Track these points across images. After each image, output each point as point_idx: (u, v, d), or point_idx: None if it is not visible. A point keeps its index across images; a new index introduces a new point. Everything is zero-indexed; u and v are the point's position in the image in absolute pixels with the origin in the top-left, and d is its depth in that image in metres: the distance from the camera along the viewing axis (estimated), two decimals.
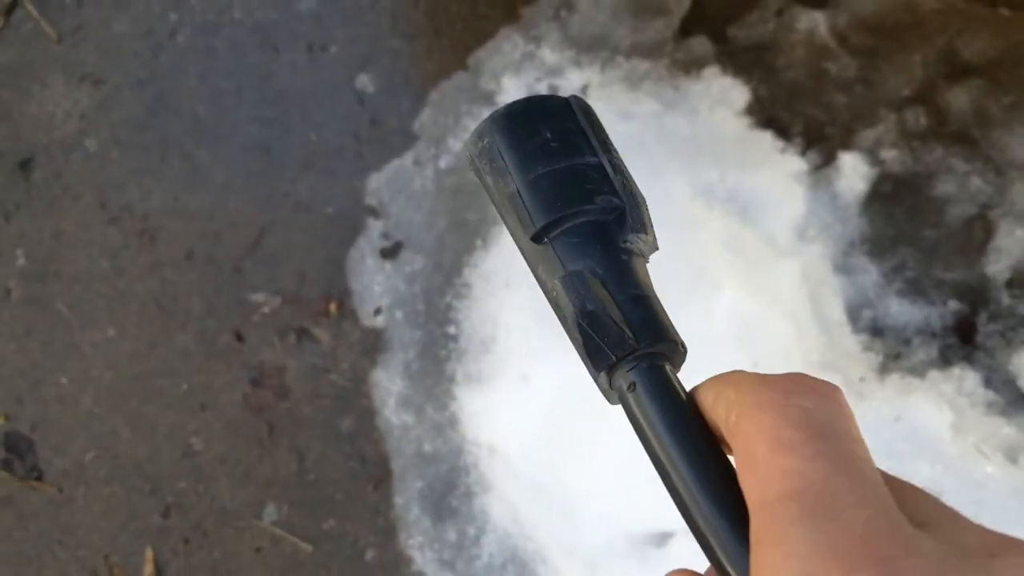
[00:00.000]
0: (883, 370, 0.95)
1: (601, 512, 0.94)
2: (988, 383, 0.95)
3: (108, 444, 1.12)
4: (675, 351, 0.29)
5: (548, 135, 0.32)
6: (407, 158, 1.18)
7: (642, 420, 0.27)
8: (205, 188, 1.21)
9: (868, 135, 1.06)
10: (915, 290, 1.01)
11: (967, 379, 0.94)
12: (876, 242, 1.03)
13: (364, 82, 1.23)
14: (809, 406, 0.23)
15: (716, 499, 0.25)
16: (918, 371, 0.95)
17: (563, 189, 0.31)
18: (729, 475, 0.25)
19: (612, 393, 0.29)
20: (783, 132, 1.07)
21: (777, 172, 1.01)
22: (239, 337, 1.14)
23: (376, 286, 1.12)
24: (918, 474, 0.74)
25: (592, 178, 0.31)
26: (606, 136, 0.33)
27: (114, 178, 1.22)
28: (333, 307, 1.13)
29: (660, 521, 0.92)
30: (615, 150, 0.33)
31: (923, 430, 0.86)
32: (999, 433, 0.90)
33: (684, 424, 0.27)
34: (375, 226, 1.16)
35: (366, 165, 1.19)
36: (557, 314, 0.31)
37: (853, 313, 0.99)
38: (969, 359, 0.97)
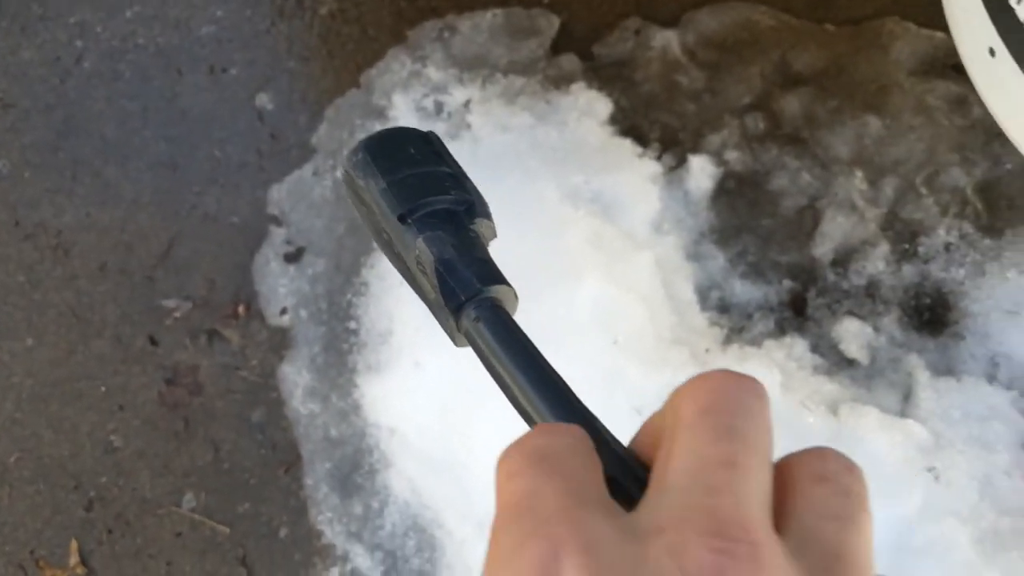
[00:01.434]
0: (726, 342, 1.10)
1: (489, 479, 1.06)
2: (815, 349, 1.11)
3: (31, 446, 1.20)
4: (510, 297, 0.36)
5: (411, 151, 0.40)
6: (306, 170, 1.28)
7: (485, 347, 0.33)
8: (116, 203, 1.29)
9: (714, 139, 1.21)
10: (755, 272, 1.16)
11: (796, 346, 1.09)
12: (722, 232, 1.18)
13: (264, 100, 1.33)
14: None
15: (554, 404, 0.31)
16: (756, 341, 1.10)
17: (424, 183, 0.38)
18: (564, 386, 0.31)
19: (460, 336, 0.35)
20: (641, 139, 1.21)
21: (636, 174, 1.15)
22: (153, 341, 1.23)
23: (281, 288, 1.23)
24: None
25: (447, 180, 0.39)
26: (454, 159, 0.42)
27: (27, 197, 1.29)
28: (241, 309, 1.23)
29: None
30: (463, 170, 0.41)
31: None
32: (822, 390, 1.05)
33: (521, 344, 0.33)
34: (278, 233, 1.26)
35: (268, 177, 1.29)
36: (413, 279, 0.38)
37: (702, 294, 1.14)
38: (800, 329, 1.13)
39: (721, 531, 0.23)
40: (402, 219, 0.38)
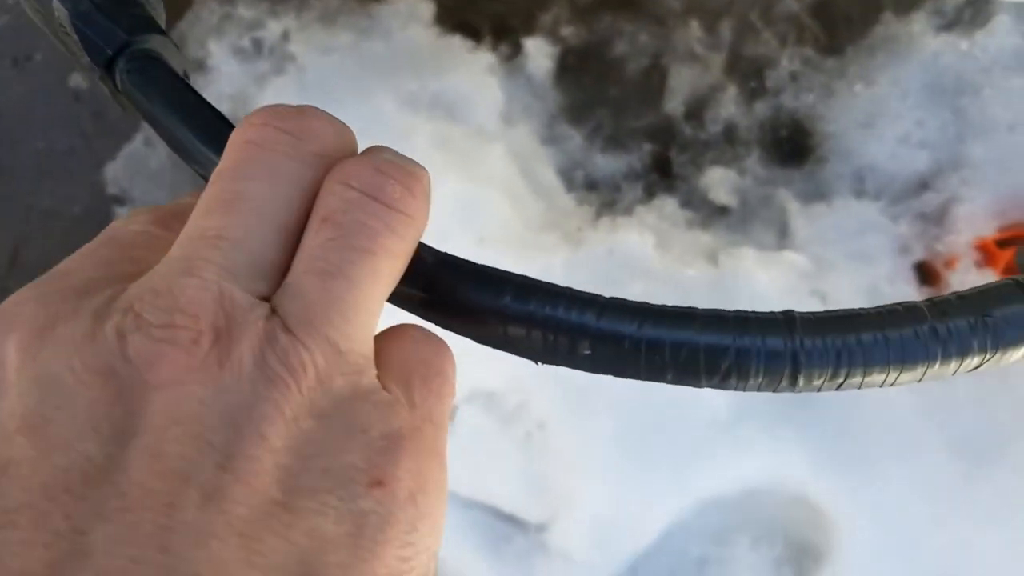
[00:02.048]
0: (598, 218, 1.08)
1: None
2: (686, 204, 1.10)
3: None
4: (171, 50, 0.32)
5: None
6: (137, 141, 1.21)
7: (145, 101, 0.30)
8: None
9: (545, 19, 1.18)
10: (615, 143, 1.14)
11: (667, 206, 1.08)
12: (573, 110, 1.15)
13: (77, 80, 1.25)
14: None
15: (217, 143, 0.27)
16: (628, 211, 1.09)
17: None
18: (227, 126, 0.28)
19: (120, 96, 0.31)
20: (471, 33, 1.17)
21: (472, 70, 1.11)
22: None
23: None
24: (633, 292, 0.86)
25: None
26: None
27: None
28: None
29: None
30: None
31: (633, 256, 0.99)
32: (699, 242, 1.05)
33: (182, 92, 0.29)
34: (123, 212, 1.19)
35: (100, 158, 1.21)
36: (68, 50, 0.34)
37: (566, 176, 1.12)
38: (669, 189, 1.12)
39: (172, 315, 0.20)
40: None
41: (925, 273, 1.05)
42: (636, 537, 1.00)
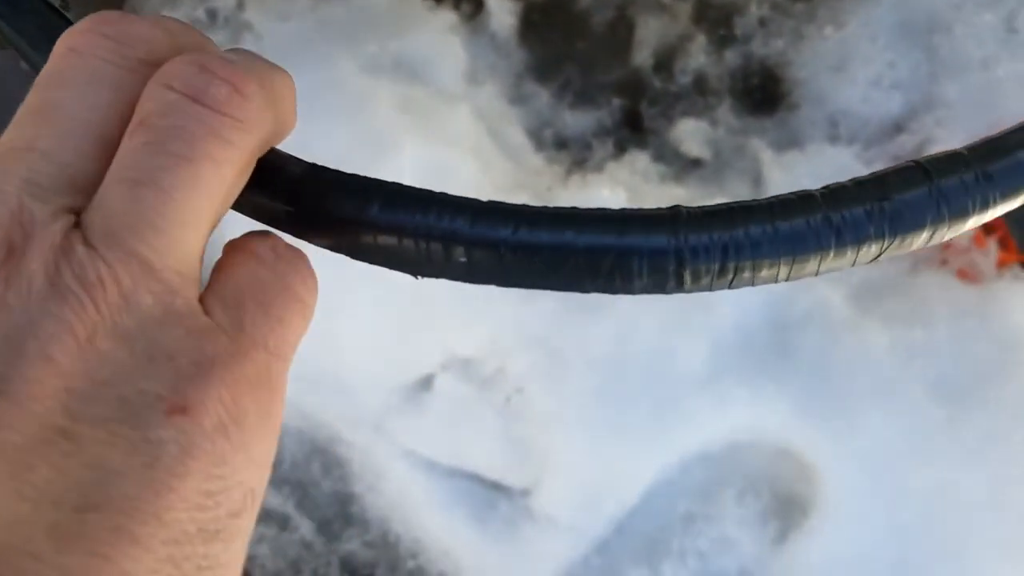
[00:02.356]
0: (568, 176, 1.06)
1: (368, 380, 1.02)
2: (658, 158, 1.08)
3: None
4: None
5: None
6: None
7: None
8: None
9: None
10: (584, 100, 1.12)
11: (639, 161, 1.06)
12: (540, 68, 1.13)
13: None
14: None
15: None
16: (599, 168, 1.07)
17: None
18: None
19: None
20: None
21: (433, 30, 1.08)
22: None
23: None
24: None
25: None
26: None
27: None
28: None
29: (419, 366, 1.01)
30: None
31: None
32: (673, 195, 1.03)
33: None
34: None
35: None
36: None
37: (535, 135, 1.09)
38: (641, 144, 1.09)
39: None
40: None
41: None
42: (621, 497, 0.99)
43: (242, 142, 0.22)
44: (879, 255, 0.25)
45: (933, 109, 1.05)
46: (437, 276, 0.25)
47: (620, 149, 1.09)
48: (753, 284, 0.25)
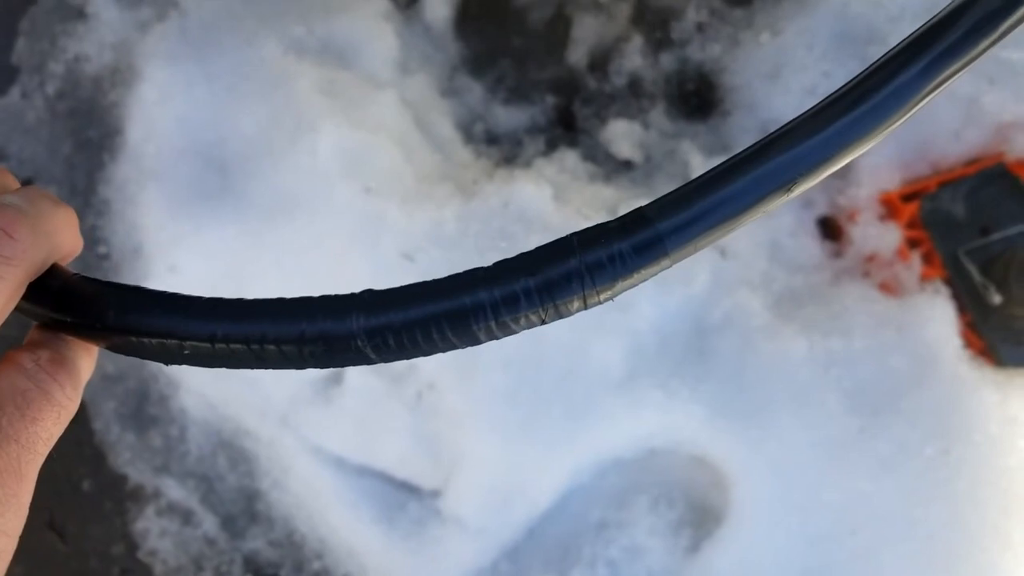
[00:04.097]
0: (495, 170, 1.03)
1: (276, 371, 0.98)
2: (589, 158, 1.06)
3: None
4: None
5: None
6: (13, 94, 1.14)
7: None
8: None
9: None
10: (518, 95, 1.10)
11: (567, 159, 1.04)
12: (475, 61, 1.10)
13: None
14: None
15: None
16: (528, 163, 1.05)
17: None
18: None
19: None
20: None
21: (365, 15, 1.06)
22: None
23: None
24: (529, 246, 0.81)
25: None
26: None
27: None
28: None
29: None
30: None
31: (529, 209, 0.95)
32: (601, 195, 1.01)
33: None
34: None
35: None
36: None
37: (465, 129, 1.07)
38: (572, 142, 1.08)
39: None
40: None
41: (828, 227, 1.02)
42: (533, 501, 0.97)
43: (9, 275, 0.27)
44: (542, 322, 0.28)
45: None
46: (181, 364, 0.29)
47: (551, 147, 1.07)
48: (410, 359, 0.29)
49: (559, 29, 1.12)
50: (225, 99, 0.99)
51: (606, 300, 0.27)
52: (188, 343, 0.28)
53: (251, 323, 0.28)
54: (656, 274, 0.27)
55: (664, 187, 1.04)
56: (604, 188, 1.03)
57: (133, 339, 0.29)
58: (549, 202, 0.97)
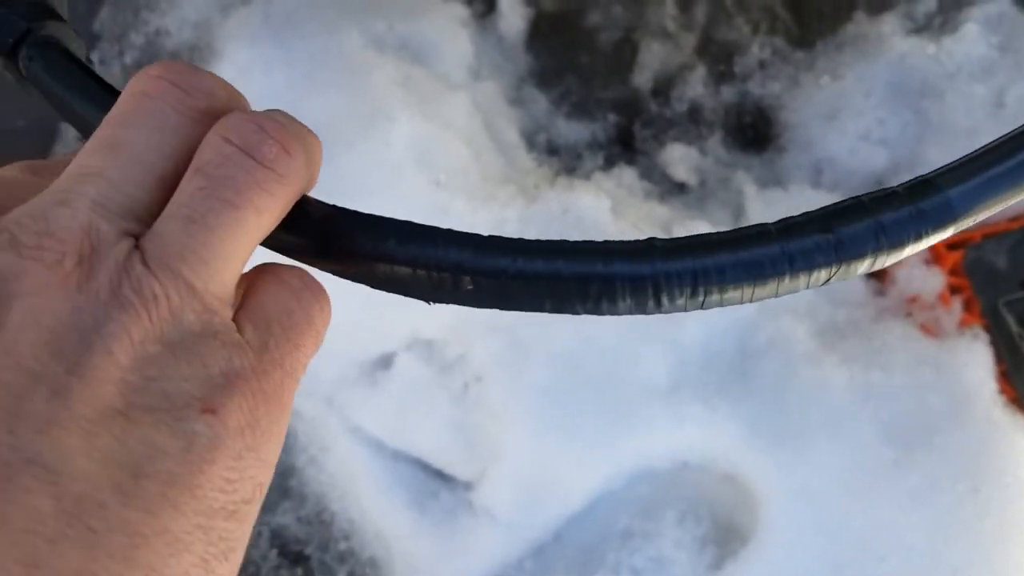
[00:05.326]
0: (556, 178, 1.07)
1: (328, 350, 1.01)
2: (646, 177, 1.09)
3: None
4: (69, 35, 0.33)
5: None
6: (91, 60, 1.17)
7: (50, 87, 0.31)
8: None
9: None
10: (581, 111, 1.14)
11: (626, 175, 1.08)
12: (542, 75, 1.14)
13: None
14: None
15: None
16: (587, 177, 1.08)
17: None
18: None
19: (27, 83, 0.32)
20: None
21: (443, 18, 1.10)
22: None
23: None
24: None
25: None
26: None
27: None
28: None
29: (381, 344, 1.00)
30: None
31: (587, 218, 0.98)
32: (655, 212, 1.04)
33: (84, 76, 0.31)
34: (70, 128, 1.15)
35: None
36: None
37: (529, 137, 1.11)
38: (630, 161, 1.11)
39: (42, 238, 0.23)
40: None
41: None
42: (564, 503, 0.99)
43: (282, 194, 0.26)
44: (828, 280, 0.28)
45: (916, 169, 1.08)
46: (447, 302, 0.29)
47: (609, 163, 1.11)
48: (721, 305, 0.28)
49: (626, 52, 1.16)
50: (302, 84, 1.02)
51: (890, 264, 0.28)
52: (475, 278, 0.27)
53: (549, 261, 0.27)
54: (939, 240, 0.29)
55: (717, 212, 1.07)
56: (658, 206, 1.06)
57: (409, 271, 0.28)
58: (607, 213, 1.00)
